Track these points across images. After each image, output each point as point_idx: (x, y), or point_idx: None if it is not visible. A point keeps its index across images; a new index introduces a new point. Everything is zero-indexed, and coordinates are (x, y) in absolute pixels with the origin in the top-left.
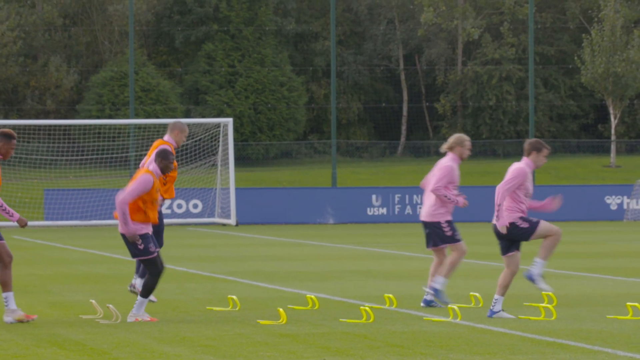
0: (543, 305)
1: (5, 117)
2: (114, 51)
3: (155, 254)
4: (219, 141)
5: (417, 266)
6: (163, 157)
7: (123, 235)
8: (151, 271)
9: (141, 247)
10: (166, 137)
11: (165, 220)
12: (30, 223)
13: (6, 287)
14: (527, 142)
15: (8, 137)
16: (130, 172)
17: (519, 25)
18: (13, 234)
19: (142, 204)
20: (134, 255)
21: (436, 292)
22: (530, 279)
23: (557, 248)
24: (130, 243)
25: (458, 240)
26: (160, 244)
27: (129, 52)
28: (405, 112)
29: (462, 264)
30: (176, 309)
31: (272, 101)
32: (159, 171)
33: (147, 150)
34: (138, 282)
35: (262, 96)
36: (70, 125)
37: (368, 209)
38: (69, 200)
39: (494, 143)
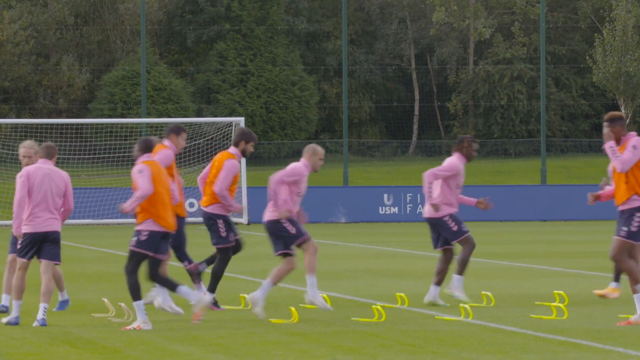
0: (555, 304)
1: (18, 116)
2: (126, 50)
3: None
4: (230, 140)
5: (429, 265)
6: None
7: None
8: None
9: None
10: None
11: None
12: None
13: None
14: None
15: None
16: None
17: (530, 25)
18: None
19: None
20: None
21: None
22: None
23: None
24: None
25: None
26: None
27: (140, 51)
28: (416, 112)
29: (473, 263)
30: (188, 308)
31: (283, 100)
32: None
33: None
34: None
35: (274, 95)
36: (82, 124)
37: (380, 208)
38: (81, 199)
39: (506, 142)
